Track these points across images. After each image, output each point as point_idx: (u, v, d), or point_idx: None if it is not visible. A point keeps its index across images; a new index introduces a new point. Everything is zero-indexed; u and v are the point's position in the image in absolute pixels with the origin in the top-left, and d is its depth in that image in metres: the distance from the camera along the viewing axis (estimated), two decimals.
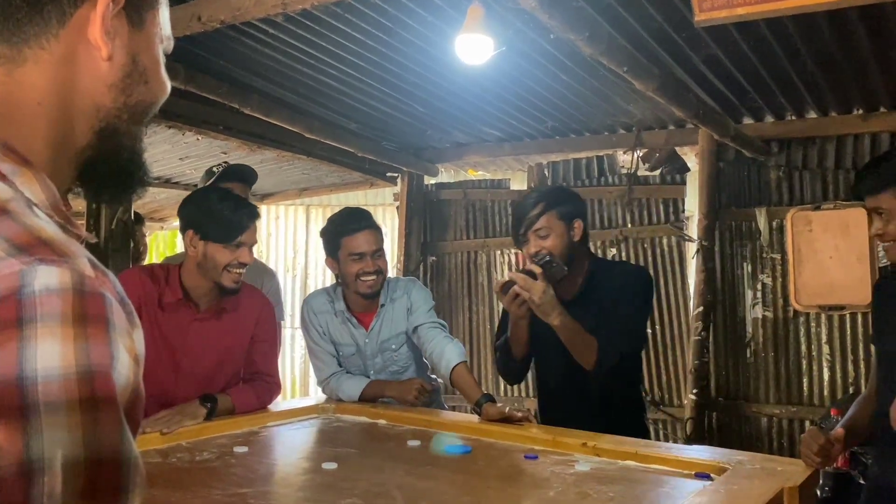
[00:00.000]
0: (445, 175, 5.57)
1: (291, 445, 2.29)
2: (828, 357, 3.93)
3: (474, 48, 2.56)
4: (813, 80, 3.35)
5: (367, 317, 2.70)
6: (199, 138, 4.16)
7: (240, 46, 3.05)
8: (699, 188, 4.10)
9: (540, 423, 2.42)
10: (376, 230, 2.66)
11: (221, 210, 2.24)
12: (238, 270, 2.27)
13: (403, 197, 5.22)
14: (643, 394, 2.46)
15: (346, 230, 2.61)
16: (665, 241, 4.44)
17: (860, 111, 3.78)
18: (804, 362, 4.00)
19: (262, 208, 4.89)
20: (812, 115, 3.90)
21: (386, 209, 7.32)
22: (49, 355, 0.51)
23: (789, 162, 4.09)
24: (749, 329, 4.14)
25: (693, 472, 1.75)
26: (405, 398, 2.54)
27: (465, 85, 3.52)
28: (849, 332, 3.86)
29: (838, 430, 1.80)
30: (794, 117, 3.94)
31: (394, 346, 2.71)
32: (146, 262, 4.53)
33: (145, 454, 1.90)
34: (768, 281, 4.10)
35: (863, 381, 3.74)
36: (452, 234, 5.21)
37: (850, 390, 3.82)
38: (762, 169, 4.15)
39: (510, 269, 4.91)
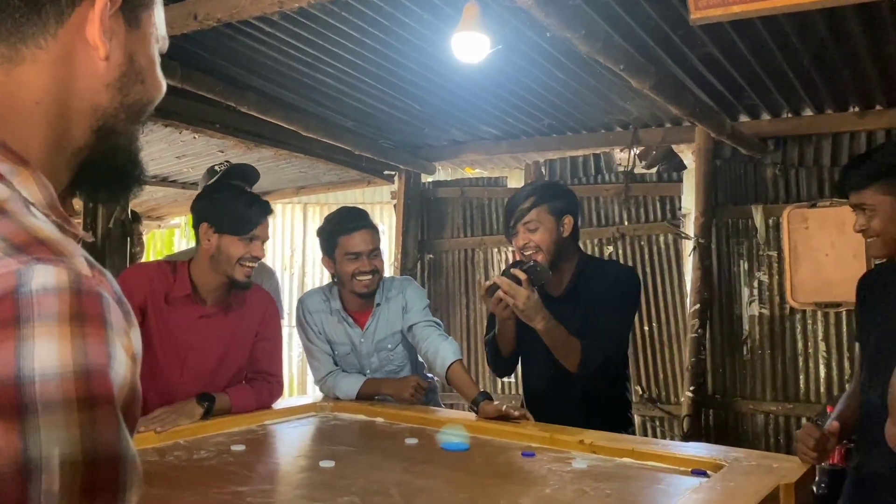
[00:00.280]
0: (442, 173, 5.57)
1: (289, 444, 2.29)
2: (824, 354, 3.94)
3: (471, 46, 2.55)
4: (809, 78, 3.36)
5: (362, 316, 2.70)
6: (196, 137, 4.16)
7: (236, 45, 3.04)
8: (696, 186, 4.11)
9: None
10: (373, 229, 2.66)
11: (237, 203, 2.28)
12: (250, 264, 2.30)
13: (400, 195, 5.22)
14: (628, 391, 2.48)
15: (342, 229, 2.61)
16: (662, 238, 4.45)
17: (856, 109, 3.79)
18: (800, 359, 4.01)
19: None
20: (808, 112, 3.91)
21: (383, 207, 7.32)
22: (46, 354, 0.51)
23: (785, 159, 4.10)
24: (746, 326, 4.15)
25: (690, 469, 1.76)
26: (401, 395, 2.55)
27: (461, 83, 3.52)
28: (845, 330, 3.87)
29: (833, 423, 1.81)
30: (790, 115, 3.95)
31: (389, 346, 2.71)
32: (143, 260, 4.53)
33: (143, 453, 1.90)
34: (765, 278, 4.11)
35: None
36: (449, 231, 5.21)
37: (847, 387, 3.83)
38: (758, 166, 4.16)
39: (507, 266, 4.91)
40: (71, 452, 0.50)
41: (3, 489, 0.49)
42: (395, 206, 5.38)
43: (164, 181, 5.43)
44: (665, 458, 1.83)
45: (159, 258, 5.92)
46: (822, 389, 3.94)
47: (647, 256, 4.46)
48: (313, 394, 3.50)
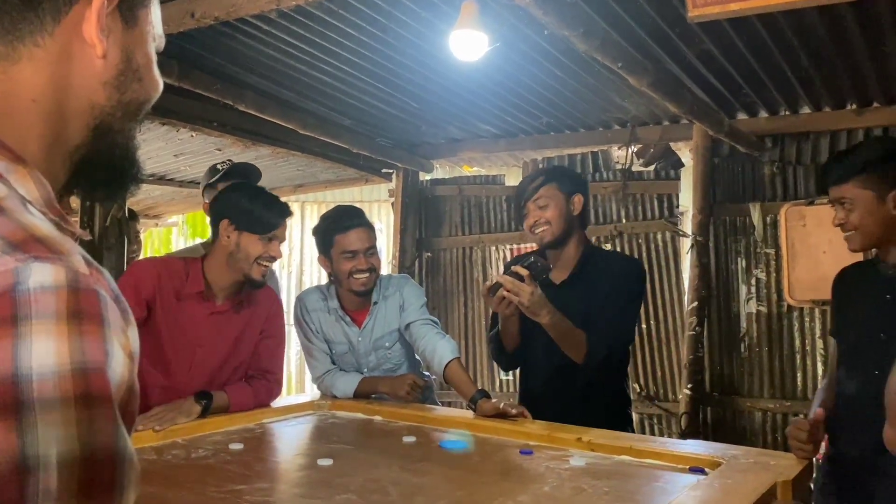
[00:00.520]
0: (440, 171, 5.57)
1: (287, 442, 2.29)
2: (821, 352, 3.94)
3: (469, 44, 2.55)
4: (806, 76, 3.36)
5: (360, 315, 2.70)
6: (194, 135, 4.15)
7: (234, 43, 3.04)
8: (693, 183, 4.11)
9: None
10: (369, 228, 2.65)
11: (259, 203, 2.31)
12: (267, 263, 2.32)
13: (398, 193, 5.22)
14: (629, 388, 2.49)
15: (338, 228, 2.61)
16: (659, 236, 4.45)
17: (853, 106, 3.79)
18: (798, 357, 4.02)
19: None
20: (806, 110, 3.91)
21: (381, 205, 7.32)
22: (44, 353, 0.51)
23: (783, 157, 4.10)
24: (743, 324, 4.16)
25: (687, 467, 1.76)
26: (398, 393, 2.54)
27: (459, 81, 3.52)
28: None
29: (818, 410, 1.83)
30: (787, 112, 3.95)
31: (387, 344, 2.71)
32: (140, 258, 4.52)
33: (141, 451, 1.90)
34: (762, 276, 4.11)
35: None
36: (447, 230, 5.21)
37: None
38: (756, 164, 4.16)
39: (504, 264, 4.92)
40: (68, 450, 0.50)
41: (0, 487, 0.49)
42: (392, 204, 5.37)
43: (161, 179, 5.42)
44: (663, 456, 1.84)
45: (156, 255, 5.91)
46: (819, 387, 3.93)
47: (644, 254, 4.46)
48: (311, 392, 3.50)
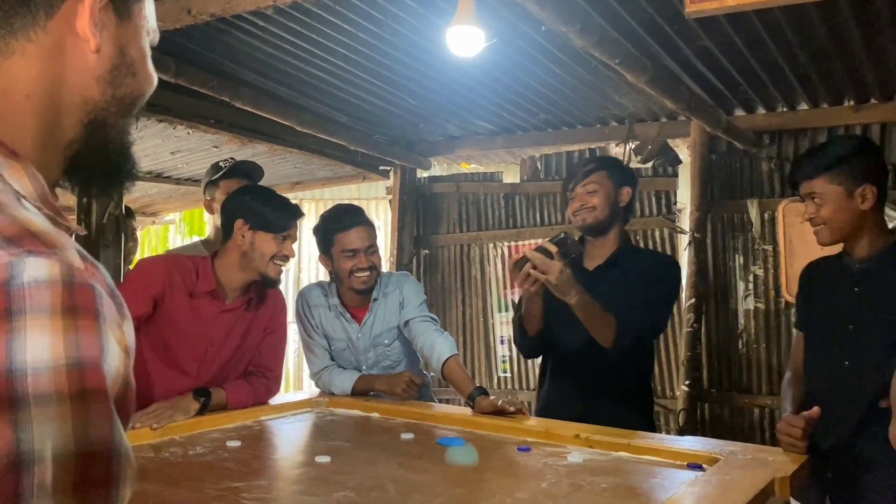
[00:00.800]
0: (438, 168, 5.56)
1: (285, 439, 2.29)
2: None
3: (466, 40, 2.55)
4: (804, 72, 3.36)
5: (360, 311, 2.70)
6: (190, 132, 4.14)
7: (230, 39, 3.03)
8: (691, 180, 4.11)
9: (543, 400, 2.45)
10: (369, 226, 2.66)
11: (273, 203, 2.34)
12: (282, 262, 2.34)
13: (396, 190, 5.22)
14: (652, 380, 2.46)
15: (338, 227, 2.61)
16: (657, 233, 4.45)
17: (851, 103, 3.79)
18: None
19: None
20: (803, 106, 3.91)
21: (378, 203, 7.31)
22: (38, 347, 0.51)
23: (781, 154, 4.10)
24: (741, 320, 4.16)
25: (685, 463, 1.76)
26: (394, 391, 2.54)
27: (456, 77, 3.52)
28: None
29: (815, 409, 1.84)
30: (785, 109, 3.95)
31: (386, 341, 2.71)
32: (137, 256, 4.51)
33: (138, 449, 1.90)
34: (760, 272, 4.11)
35: None
36: (445, 227, 5.21)
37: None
38: (754, 161, 4.16)
39: (503, 263, 4.92)
40: (64, 445, 0.50)
41: None
42: (390, 201, 5.37)
43: (158, 177, 5.41)
44: (661, 452, 1.84)
45: (151, 255, 5.90)
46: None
47: None
48: (309, 389, 3.49)
